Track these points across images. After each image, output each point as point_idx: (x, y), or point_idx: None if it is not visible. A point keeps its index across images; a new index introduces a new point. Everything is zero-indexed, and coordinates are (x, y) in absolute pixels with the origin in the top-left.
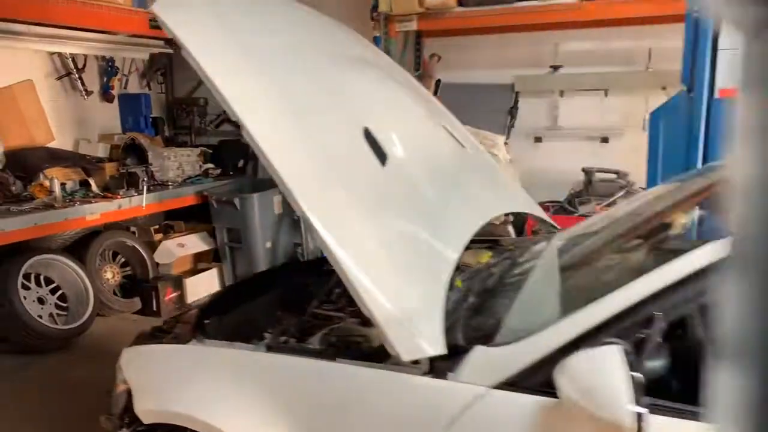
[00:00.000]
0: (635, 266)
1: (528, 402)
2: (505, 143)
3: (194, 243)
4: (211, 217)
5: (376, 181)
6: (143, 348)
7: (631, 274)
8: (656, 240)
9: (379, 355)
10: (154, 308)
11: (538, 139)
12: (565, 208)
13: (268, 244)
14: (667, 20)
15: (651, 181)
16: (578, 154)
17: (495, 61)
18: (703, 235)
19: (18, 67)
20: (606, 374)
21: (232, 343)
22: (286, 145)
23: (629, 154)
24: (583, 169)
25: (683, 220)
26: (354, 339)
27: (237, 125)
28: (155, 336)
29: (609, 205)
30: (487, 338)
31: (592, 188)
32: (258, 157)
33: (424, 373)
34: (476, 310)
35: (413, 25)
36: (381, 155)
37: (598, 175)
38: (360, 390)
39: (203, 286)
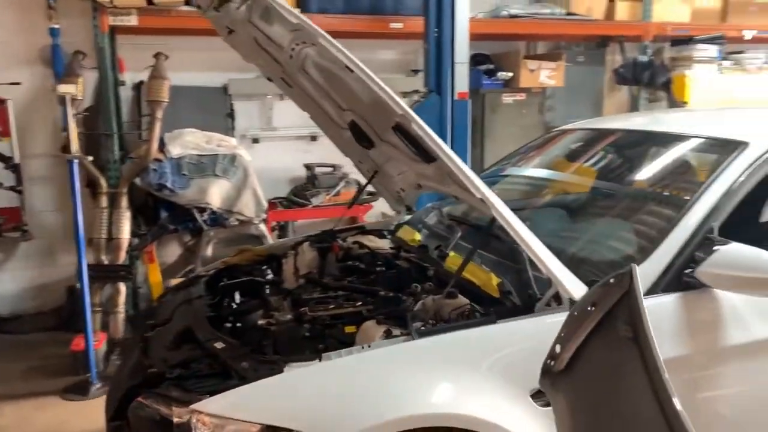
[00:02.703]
0: None
1: (669, 300)
2: None
3: None
4: None
5: None
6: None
7: None
8: None
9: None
10: None
11: (255, 140)
12: (295, 201)
13: None
14: None
15: None
16: (293, 153)
17: (207, 64)
18: None
19: None
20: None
21: (361, 348)
22: None
23: (335, 150)
24: (306, 165)
25: None
26: (464, 310)
27: None
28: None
29: (336, 195)
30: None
31: (318, 181)
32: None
33: None
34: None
35: (133, 20)
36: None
37: (319, 170)
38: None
39: None
